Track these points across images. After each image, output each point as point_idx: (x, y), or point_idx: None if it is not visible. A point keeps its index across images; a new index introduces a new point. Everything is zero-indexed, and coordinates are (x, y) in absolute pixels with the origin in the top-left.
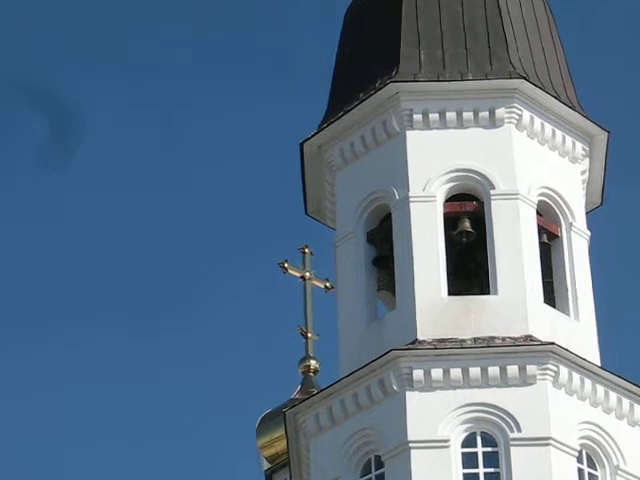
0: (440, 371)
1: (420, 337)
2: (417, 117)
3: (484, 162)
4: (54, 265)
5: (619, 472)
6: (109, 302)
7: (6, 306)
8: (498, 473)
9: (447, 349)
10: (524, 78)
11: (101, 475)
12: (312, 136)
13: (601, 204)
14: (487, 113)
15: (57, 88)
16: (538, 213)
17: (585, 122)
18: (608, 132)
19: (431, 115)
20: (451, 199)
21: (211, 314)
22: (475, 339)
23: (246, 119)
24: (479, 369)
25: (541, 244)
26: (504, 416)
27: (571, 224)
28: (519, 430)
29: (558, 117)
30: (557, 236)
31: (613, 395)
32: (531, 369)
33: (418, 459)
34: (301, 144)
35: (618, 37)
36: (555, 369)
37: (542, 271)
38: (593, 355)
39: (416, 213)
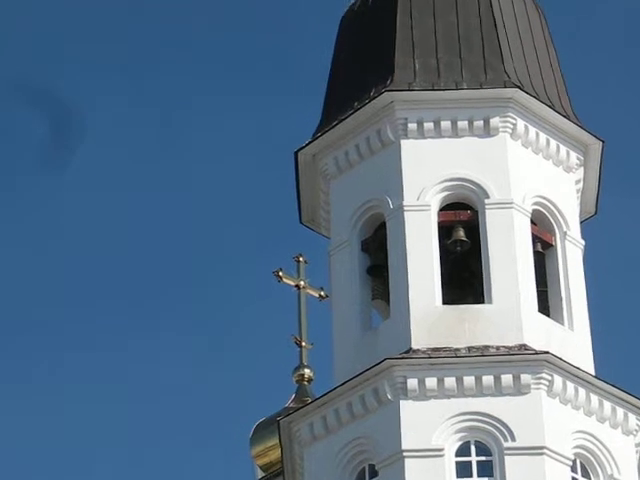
0: (434, 380)
1: (414, 346)
2: (412, 126)
3: (478, 171)
4: (54, 265)
5: None
6: (109, 302)
7: (6, 306)
8: None
9: (441, 358)
10: (519, 87)
11: (100, 475)
12: (307, 145)
13: (595, 213)
14: (482, 122)
15: (57, 88)
16: (532, 222)
17: (579, 131)
18: (602, 141)
19: (426, 124)
20: (445, 208)
21: (205, 321)
22: (469, 348)
23: (246, 119)
24: (473, 378)
25: (535, 253)
26: (498, 425)
27: (565, 233)
28: (513, 439)
29: (552, 126)
30: (551, 245)
31: (607, 404)
32: (525, 378)
33: (412, 468)
34: (295, 153)
35: (613, 47)
36: (549, 378)
37: (536, 280)
38: (587, 364)
39: (410, 222)
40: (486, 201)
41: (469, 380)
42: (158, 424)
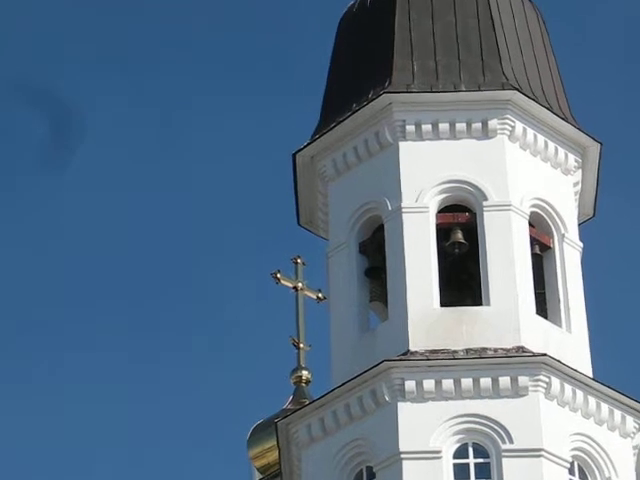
0: (432, 382)
1: (412, 348)
2: (410, 128)
3: (477, 173)
4: (54, 265)
5: None
6: (109, 302)
7: (6, 306)
8: None
9: (439, 360)
10: (517, 89)
11: (100, 475)
12: (305, 147)
13: (593, 215)
14: (480, 124)
15: (57, 88)
16: (530, 224)
17: (578, 134)
18: (600, 144)
19: (424, 126)
20: (443, 210)
21: (203, 323)
22: (467, 350)
23: (244, 120)
24: (471, 380)
25: (533, 255)
26: (496, 427)
27: (563, 235)
28: (511, 441)
29: (551, 128)
30: (549, 247)
31: (605, 407)
32: (523, 380)
33: (410, 470)
34: (294, 155)
35: (611, 49)
36: (547, 380)
37: (534, 282)
38: (585, 366)
39: (408, 224)
40: (484, 203)
41: (467, 382)
42: (157, 425)
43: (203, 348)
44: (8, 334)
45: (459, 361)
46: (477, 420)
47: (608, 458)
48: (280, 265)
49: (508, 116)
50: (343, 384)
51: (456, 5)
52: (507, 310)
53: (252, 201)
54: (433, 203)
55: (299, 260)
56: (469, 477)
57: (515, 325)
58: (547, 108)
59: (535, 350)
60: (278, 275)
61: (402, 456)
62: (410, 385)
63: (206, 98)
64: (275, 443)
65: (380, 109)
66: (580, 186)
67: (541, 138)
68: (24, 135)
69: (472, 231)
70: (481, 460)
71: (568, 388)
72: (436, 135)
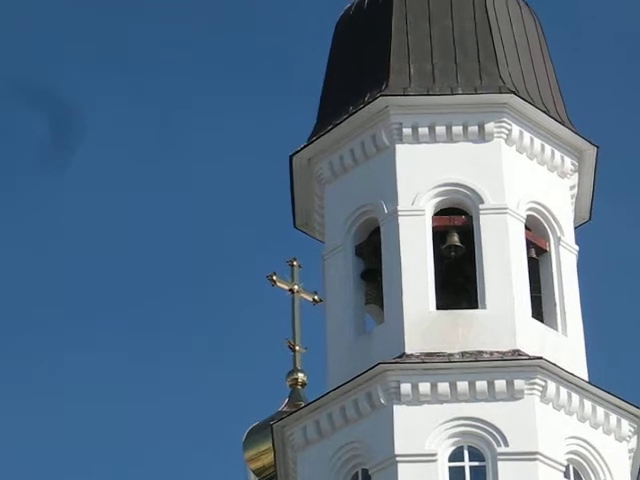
0: (428, 385)
1: (408, 351)
2: (406, 131)
3: (473, 176)
4: (54, 265)
5: None
6: (109, 302)
7: (6, 306)
8: None
9: (435, 363)
10: (514, 93)
11: (100, 475)
12: (301, 149)
13: (590, 219)
14: (476, 127)
15: (57, 88)
16: (527, 228)
17: (574, 137)
18: (597, 147)
19: (420, 129)
20: (440, 213)
21: (200, 325)
22: (463, 353)
23: (242, 121)
24: (467, 383)
25: (529, 259)
26: (491, 430)
27: (559, 239)
28: (506, 445)
29: (547, 132)
30: (545, 251)
31: (600, 410)
32: (519, 384)
33: (405, 473)
34: (290, 157)
35: (608, 53)
36: (543, 384)
37: (530, 286)
38: (581, 370)
39: (405, 227)
40: (480, 206)
41: (462, 385)
42: (155, 425)
43: (199, 350)
44: (8, 334)
45: (455, 364)
46: (473, 423)
47: (603, 462)
48: (276, 267)
49: (505, 119)
50: (339, 387)
51: (453, 8)
52: (503, 313)
53: (248, 203)
54: (429, 206)
55: (295, 262)
56: None
57: (511, 328)
58: (544, 111)
59: (531, 353)
60: (274, 277)
61: (397, 459)
62: (406, 388)
63: (206, 98)
64: (271, 445)
65: (377, 112)
66: (576, 190)
67: (538, 141)
68: (24, 135)
69: (468, 234)
70: (476, 463)
71: (564, 391)
72: (433, 138)
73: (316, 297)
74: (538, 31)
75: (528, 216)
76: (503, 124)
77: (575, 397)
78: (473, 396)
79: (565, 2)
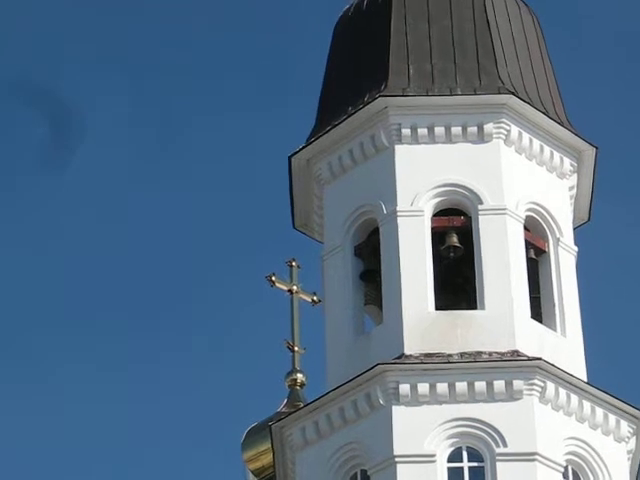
0: (427, 386)
1: (407, 352)
2: (405, 132)
3: (472, 177)
4: (54, 265)
5: None
6: (109, 302)
7: (6, 306)
8: None
9: (434, 364)
10: (513, 93)
11: (100, 475)
12: (300, 149)
13: (589, 220)
14: (475, 128)
15: (57, 88)
16: (526, 228)
17: (573, 138)
18: (596, 148)
19: (419, 130)
20: (439, 214)
21: (198, 326)
22: (462, 354)
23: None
24: (466, 384)
25: (528, 259)
26: (490, 431)
27: (558, 240)
28: (505, 445)
29: (546, 133)
30: (544, 251)
31: (599, 411)
32: (518, 384)
33: (404, 473)
34: (289, 157)
35: (607, 53)
36: (542, 384)
37: (529, 286)
38: (580, 371)
39: (404, 227)
40: (479, 207)
41: (461, 386)
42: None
43: (198, 351)
44: (8, 334)
45: (454, 365)
46: (471, 424)
47: (602, 462)
48: (275, 268)
49: (504, 120)
50: (337, 387)
51: (452, 9)
52: (502, 314)
53: (247, 204)
54: (428, 207)
55: (294, 263)
56: None
57: (510, 329)
58: (543, 112)
59: (530, 354)
60: (273, 278)
61: (396, 460)
62: (404, 389)
63: (206, 98)
64: (269, 446)
65: (376, 112)
66: (575, 190)
67: (537, 142)
68: (24, 135)
69: (467, 235)
70: (475, 464)
71: (562, 392)
72: (432, 139)
73: (315, 298)
74: (537, 31)
75: (527, 217)
76: (502, 125)
77: (574, 398)
78: (472, 397)
79: (564, 2)
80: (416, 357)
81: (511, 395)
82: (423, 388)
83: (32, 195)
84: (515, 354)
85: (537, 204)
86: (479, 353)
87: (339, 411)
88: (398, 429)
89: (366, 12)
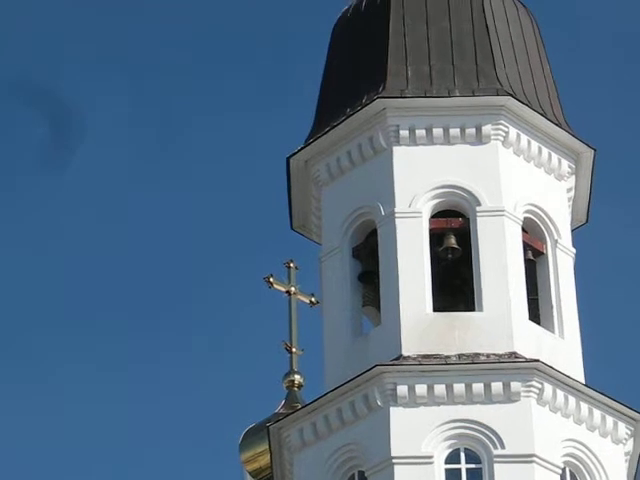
0: (424, 387)
1: (405, 353)
2: (404, 133)
3: (470, 178)
4: (54, 265)
5: None
6: (109, 302)
7: (6, 306)
8: None
9: (432, 365)
10: (511, 95)
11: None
12: (299, 151)
13: (587, 222)
14: (474, 130)
15: (57, 88)
16: (524, 230)
17: (571, 140)
18: (594, 150)
19: (418, 131)
20: (437, 215)
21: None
22: (460, 355)
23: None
24: (463, 385)
25: (526, 261)
26: (488, 433)
27: (556, 241)
28: (503, 447)
29: (545, 134)
30: (542, 253)
31: (597, 413)
32: (515, 386)
33: (401, 475)
34: (287, 159)
35: (605, 55)
36: (539, 386)
37: (527, 288)
38: (577, 373)
39: (402, 229)
40: (477, 209)
41: (459, 387)
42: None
43: (199, 350)
44: (8, 334)
45: (451, 366)
46: (469, 425)
47: (600, 464)
48: (273, 269)
49: (502, 122)
50: (335, 388)
51: (450, 10)
52: (500, 316)
53: (245, 205)
54: (426, 208)
55: (292, 264)
56: None
57: (508, 331)
58: (541, 114)
59: (528, 356)
60: (271, 279)
61: (394, 461)
62: (402, 390)
63: (206, 98)
64: (267, 447)
65: (374, 114)
66: (573, 192)
67: (535, 144)
68: (24, 135)
69: (465, 236)
70: (473, 465)
71: (560, 394)
72: (430, 140)
73: (313, 299)
74: (535, 33)
75: (525, 218)
76: (500, 126)
77: (572, 399)
78: (470, 398)
79: (562, 3)
80: (414, 358)
81: (509, 397)
82: (421, 389)
83: (32, 195)
84: (513, 356)
85: (535, 206)
86: (477, 355)
87: (337, 412)
88: (396, 430)
89: (364, 13)
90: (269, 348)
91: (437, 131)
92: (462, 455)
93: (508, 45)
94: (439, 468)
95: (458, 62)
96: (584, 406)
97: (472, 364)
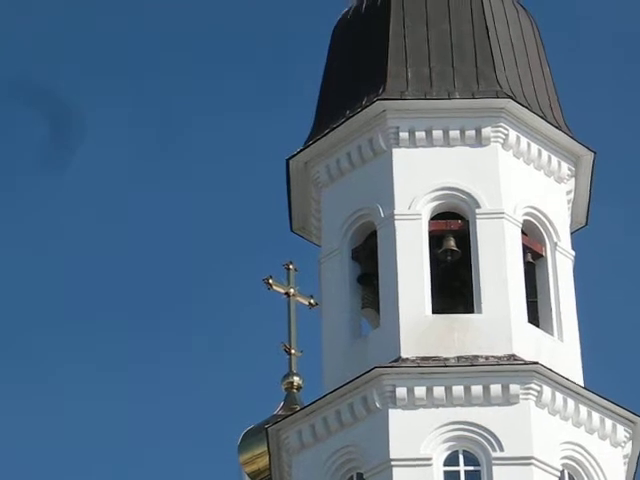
0: (423, 389)
1: (404, 355)
2: (403, 135)
3: (470, 181)
4: (54, 265)
5: None
6: (109, 302)
7: (6, 306)
8: None
9: (431, 367)
10: (511, 98)
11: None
12: (298, 152)
13: (586, 224)
14: (473, 132)
15: (57, 88)
16: (523, 232)
17: (571, 142)
18: (594, 152)
19: (417, 133)
20: (436, 217)
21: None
22: (459, 358)
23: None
24: (462, 388)
25: (526, 263)
26: (487, 435)
27: (556, 244)
28: (501, 449)
29: (544, 137)
30: (542, 256)
31: (596, 415)
32: (514, 388)
33: (400, 477)
34: (287, 160)
35: (605, 58)
36: (538, 389)
37: (526, 291)
38: (576, 375)
39: (401, 231)
40: (477, 211)
41: (458, 390)
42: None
43: (199, 351)
44: (8, 334)
45: (450, 368)
46: (468, 428)
47: (599, 467)
48: (272, 271)
49: (502, 124)
50: (334, 390)
51: (451, 13)
52: (499, 318)
53: (245, 206)
54: (426, 210)
55: (291, 266)
56: None
57: (507, 333)
58: (541, 116)
59: (527, 358)
60: (270, 281)
61: (392, 463)
62: (401, 392)
63: (206, 98)
64: (266, 449)
65: (374, 116)
66: (573, 194)
67: (534, 146)
68: (24, 135)
69: (465, 239)
70: (471, 468)
71: (559, 396)
72: (430, 142)
73: (312, 301)
74: (535, 35)
75: (524, 221)
76: (500, 129)
77: (570, 402)
78: (468, 400)
79: (562, 6)
80: (413, 360)
81: (508, 399)
82: (420, 391)
83: (32, 195)
84: (512, 358)
85: (535, 208)
86: (476, 357)
87: (336, 414)
88: (394, 432)
89: (365, 15)
90: (268, 349)
91: (437, 133)
92: (461, 457)
93: (508, 47)
94: (438, 470)
95: (458, 64)
96: (583, 409)
97: (471, 366)
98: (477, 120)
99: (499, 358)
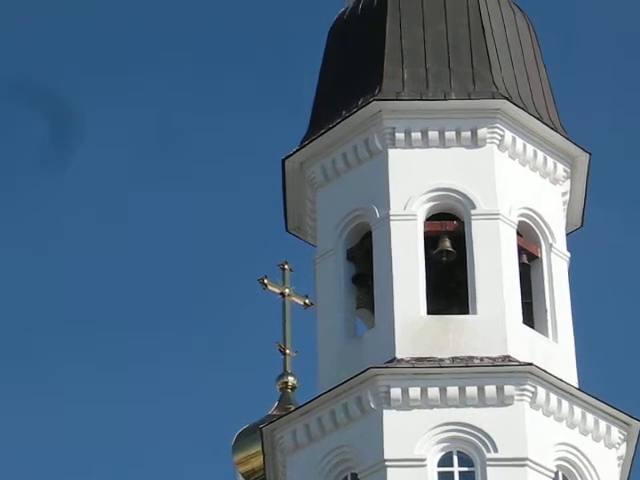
0: (418, 390)
1: (398, 356)
2: (399, 136)
3: (465, 182)
4: (54, 265)
5: None
6: (109, 302)
7: (6, 306)
8: None
9: (425, 368)
10: (507, 99)
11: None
12: (294, 152)
13: (581, 226)
14: (469, 133)
15: (57, 88)
16: (518, 234)
17: (567, 144)
18: (590, 154)
19: (413, 134)
20: (432, 218)
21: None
22: (453, 358)
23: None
24: (457, 389)
25: (521, 265)
26: (481, 436)
27: (551, 245)
28: (496, 450)
29: (540, 138)
30: (537, 257)
31: (590, 417)
32: (509, 389)
33: (394, 477)
34: (283, 160)
35: (601, 59)
36: (533, 390)
37: (521, 292)
38: (571, 377)
39: (396, 232)
40: (472, 212)
41: (452, 390)
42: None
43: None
44: (8, 334)
45: (445, 369)
46: (462, 428)
47: (593, 468)
48: (267, 271)
49: (497, 125)
50: (329, 391)
51: (447, 13)
52: (494, 319)
53: (240, 206)
54: (421, 211)
55: (286, 266)
56: None
57: (502, 334)
58: (537, 118)
59: (521, 359)
60: (265, 281)
61: (387, 463)
62: (396, 392)
63: (206, 98)
64: (260, 449)
65: (370, 116)
66: (568, 196)
67: (530, 147)
68: (24, 135)
69: (460, 239)
70: (466, 469)
71: (554, 398)
72: (425, 143)
73: (307, 301)
74: (532, 37)
75: (520, 222)
76: (496, 130)
77: (565, 403)
78: (463, 401)
79: (559, 7)
80: (407, 361)
81: (502, 400)
82: (414, 392)
83: (32, 195)
84: (506, 359)
85: (530, 209)
86: (470, 358)
87: (330, 414)
88: (389, 433)
89: (361, 16)
90: (263, 349)
91: (433, 134)
92: (455, 458)
93: (504, 48)
94: (432, 471)
95: (454, 65)
96: (577, 410)
97: (466, 367)
98: (473, 121)
99: (494, 359)
